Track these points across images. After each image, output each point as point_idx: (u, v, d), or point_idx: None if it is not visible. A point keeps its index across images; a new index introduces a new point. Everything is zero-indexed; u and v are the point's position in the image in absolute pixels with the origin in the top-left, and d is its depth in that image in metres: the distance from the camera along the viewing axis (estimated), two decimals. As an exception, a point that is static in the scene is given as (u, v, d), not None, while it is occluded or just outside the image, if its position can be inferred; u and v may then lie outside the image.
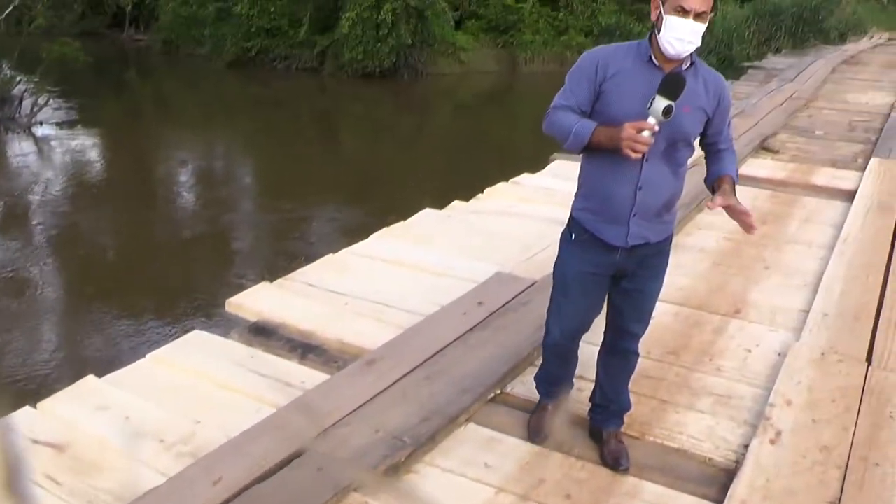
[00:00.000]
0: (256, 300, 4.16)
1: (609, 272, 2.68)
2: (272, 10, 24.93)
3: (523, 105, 21.69)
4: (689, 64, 2.49)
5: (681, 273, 4.49)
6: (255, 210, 10.90)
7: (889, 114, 9.66)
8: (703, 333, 3.84)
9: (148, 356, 3.62)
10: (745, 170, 6.57)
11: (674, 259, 4.73)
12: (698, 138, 2.65)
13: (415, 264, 4.64)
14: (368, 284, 4.36)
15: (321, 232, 9.45)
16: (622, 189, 2.53)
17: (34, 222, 9.71)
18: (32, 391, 5.15)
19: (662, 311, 4.01)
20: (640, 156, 2.38)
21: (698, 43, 2.42)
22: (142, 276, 7.84)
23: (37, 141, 14.74)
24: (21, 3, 18.76)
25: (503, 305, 3.89)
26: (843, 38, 22.13)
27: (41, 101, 16.09)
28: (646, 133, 2.33)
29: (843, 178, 6.49)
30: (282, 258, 8.11)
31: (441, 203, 5.99)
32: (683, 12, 2.36)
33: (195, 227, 9.95)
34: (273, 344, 3.75)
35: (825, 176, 6.59)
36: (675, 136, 2.48)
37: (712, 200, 2.55)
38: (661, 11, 2.43)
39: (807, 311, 3.98)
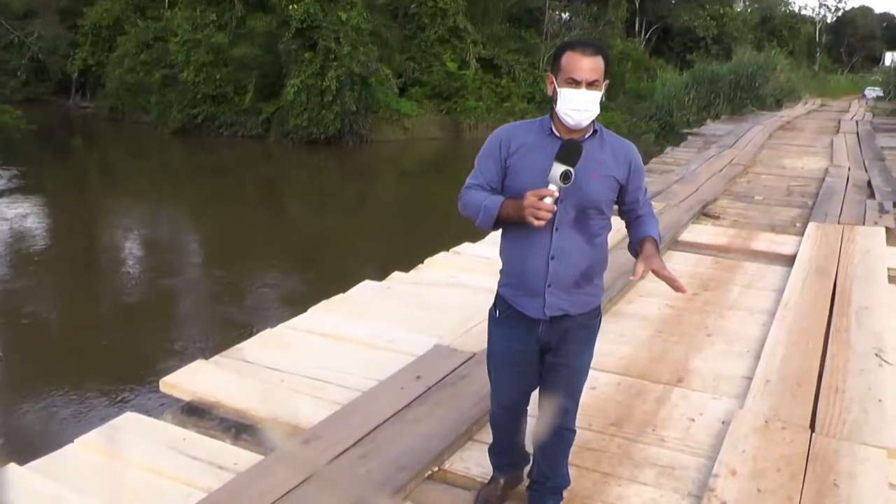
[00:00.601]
0: (191, 379, 4.01)
1: (534, 346, 2.64)
2: (218, 77, 25.08)
3: (466, 171, 21.62)
4: (590, 132, 2.52)
5: (623, 342, 4.47)
6: (199, 279, 10.75)
7: (823, 178, 9.94)
8: (645, 403, 3.78)
9: (76, 441, 3.43)
10: (686, 236, 6.66)
11: (615, 327, 4.78)
12: (616, 208, 2.67)
13: (353, 338, 4.53)
14: (306, 360, 4.24)
15: (264, 300, 9.32)
16: (535, 260, 2.53)
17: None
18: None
19: (604, 382, 3.96)
20: (542, 223, 2.37)
21: (596, 111, 2.45)
22: (79, 351, 7.63)
23: None
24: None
25: (441, 379, 3.79)
26: (778, 104, 22.96)
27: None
28: (547, 200, 2.34)
29: (783, 243, 6.59)
30: (223, 328, 8.02)
31: (384, 271, 5.94)
32: (575, 83, 2.39)
33: (136, 298, 9.75)
34: (207, 424, 3.62)
35: (765, 241, 6.68)
36: (585, 204, 2.49)
37: (633, 272, 2.51)
38: (555, 86, 2.46)
39: (750, 378, 3.96)
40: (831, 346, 4.27)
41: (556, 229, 2.48)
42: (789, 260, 6.02)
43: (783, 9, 45.08)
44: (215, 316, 8.87)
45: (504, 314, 2.66)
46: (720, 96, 21.37)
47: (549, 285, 2.53)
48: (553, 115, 2.53)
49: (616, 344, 4.43)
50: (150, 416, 3.82)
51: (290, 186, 19.64)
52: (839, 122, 18.52)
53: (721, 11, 36.42)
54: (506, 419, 2.86)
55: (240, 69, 24.92)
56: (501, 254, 2.70)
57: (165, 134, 25.43)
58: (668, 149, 14.05)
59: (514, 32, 30.77)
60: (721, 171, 9.98)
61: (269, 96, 24.65)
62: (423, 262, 6.02)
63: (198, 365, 4.18)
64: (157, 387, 4.14)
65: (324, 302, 5.17)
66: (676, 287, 2.55)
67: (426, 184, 19.61)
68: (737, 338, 4.56)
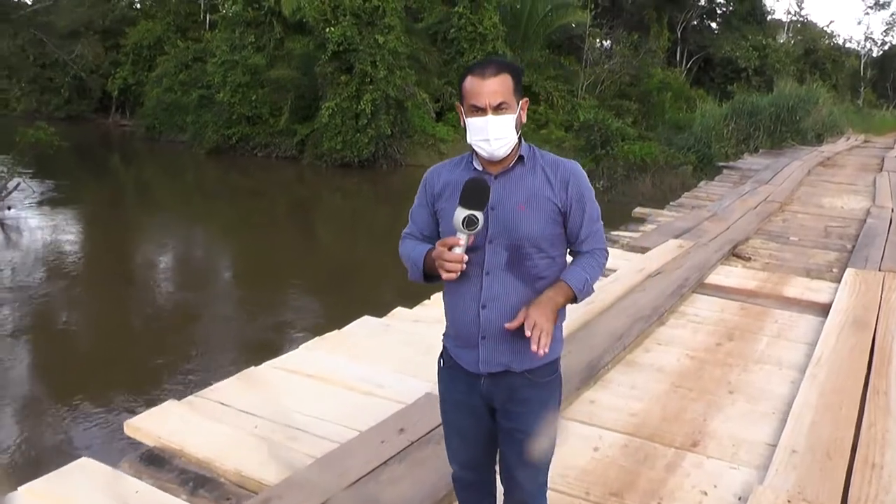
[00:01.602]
0: (158, 422, 3.69)
1: (479, 402, 2.34)
2: (253, 98, 25.10)
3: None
4: (515, 160, 2.24)
5: (634, 396, 4.06)
6: (225, 299, 10.71)
7: (865, 220, 9.32)
8: (653, 469, 3.37)
9: (21, 489, 3.14)
10: (713, 278, 6.21)
11: (628, 379, 4.37)
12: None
13: (340, 380, 4.18)
14: (285, 404, 3.90)
15: (288, 324, 9.16)
16: (467, 309, 2.27)
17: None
18: None
19: (609, 443, 3.56)
20: (453, 276, 2.12)
21: (511, 138, 2.18)
22: (95, 363, 7.61)
23: (3, 225, 14.42)
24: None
25: (427, 434, 3.41)
26: (819, 139, 22.28)
27: (10, 185, 15.87)
28: (456, 249, 2.10)
29: (818, 290, 6.08)
30: (243, 349, 7.93)
31: (411, 300, 5.66)
32: (479, 111, 2.15)
33: (160, 314, 9.72)
34: (164, 476, 3.33)
35: (798, 287, 6.16)
36: (517, 242, 2.20)
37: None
38: (463, 116, 2.23)
39: (773, 446, 3.52)
40: (868, 412, 3.80)
41: (487, 274, 2.22)
42: (824, 309, 5.50)
43: (827, 41, 44.22)
44: (237, 337, 8.73)
45: (448, 365, 2.40)
46: (760, 129, 20.77)
47: (482, 337, 2.25)
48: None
49: (627, 398, 4.02)
50: (112, 458, 3.54)
51: (322, 209, 19.48)
52: (883, 159, 17.70)
53: (763, 42, 35.77)
54: (469, 482, 2.54)
55: (276, 91, 24.93)
56: (443, 297, 2.43)
57: (200, 153, 25.53)
58: (702, 183, 13.53)
59: (554, 59, 30.48)
60: (755, 208, 9.44)
61: (304, 118, 24.60)
62: (429, 298, 5.63)
63: (168, 406, 3.86)
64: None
65: (317, 339, 4.84)
66: (534, 348, 2.10)
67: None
68: (762, 396, 4.10)
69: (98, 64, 31.05)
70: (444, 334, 2.43)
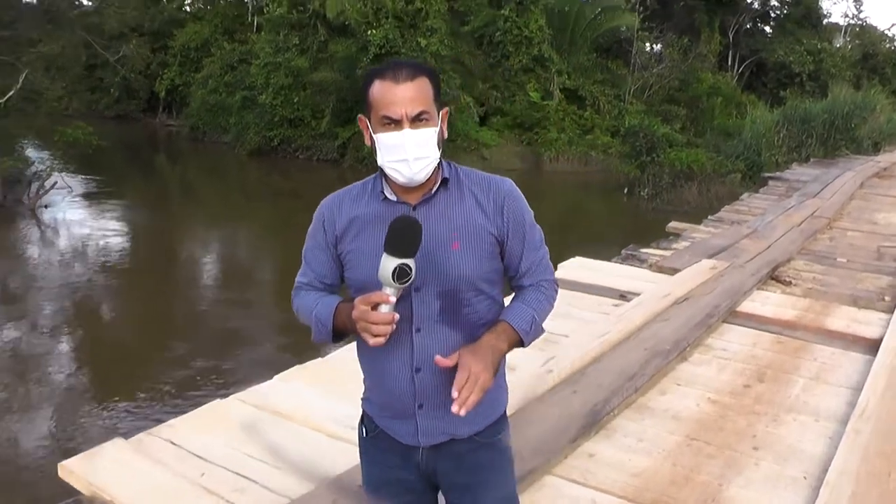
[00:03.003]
0: (94, 465, 3.27)
1: (417, 478, 1.91)
2: (296, 100, 25.13)
3: (545, 205, 21.12)
4: (437, 184, 1.82)
5: (640, 449, 3.50)
6: (263, 300, 10.71)
7: (925, 239, 8.48)
8: (655, 548, 2.84)
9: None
10: (747, 305, 5.58)
11: (635, 427, 3.80)
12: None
13: (308, 420, 3.71)
14: (241, 446, 3.45)
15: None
16: (396, 374, 1.85)
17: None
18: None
19: (604, 511, 3.03)
20: (382, 341, 1.69)
21: (434, 156, 1.76)
22: (125, 359, 7.71)
23: (39, 222, 14.87)
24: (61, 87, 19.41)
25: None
26: (876, 148, 21.25)
27: (48, 184, 16.03)
28: (383, 308, 1.67)
29: (866, 323, 5.34)
30: (279, 351, 7.94)
31: None
32: (392, 124, 1.73)
33: (196, 314, 9.83)
34: (89, 532, 2.88)
35: (844, 318, 5.43)
36: (451, 287, 1.80)
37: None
38: (370, 132, 1.79)
39: (802, 521, 2.96)
40: (920, 482, 3.20)
41: (418, 330, 1.81)
42: (873, 346, 4.78)
43: (888, 45, 42.40)
44: (274, 338, 8.58)
45: (372, 435, 1.98)
46: (812, 136, 19.83)
47: (419, 406, 1.86)
48: (382, 172, 1.82)
49: (631, 452, 3.47)
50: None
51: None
52: (947, 170, 16.69)
53: (819, 47, 34.39)
54: None
55: (318, 93, 24.82)
56: (359, 358, 1.97)
57: (242, 155, 25.70)
58: (745, 195, 12.69)
59: (601, 63, 29.77)
60: (800, 224, 8.62)
61: (345, 121, 24.37)
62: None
63: (110, 447, 3.43)
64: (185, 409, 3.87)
65: (296, 368, 4.38)
66: (456, 405, 1.64)
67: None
68: (792, 455, 3.49)
69: (147, 64, 31.28)
70: (363, 398, 1.99)
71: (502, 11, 26.30)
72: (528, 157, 25.92)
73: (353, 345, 4.51)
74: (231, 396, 3.98)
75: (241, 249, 14.83)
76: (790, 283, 6.18)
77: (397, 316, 1.68)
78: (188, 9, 36.89)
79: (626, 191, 19.54)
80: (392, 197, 1.81)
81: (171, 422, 3.70)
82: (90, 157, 18.19)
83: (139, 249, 13.58)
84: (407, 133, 1.71)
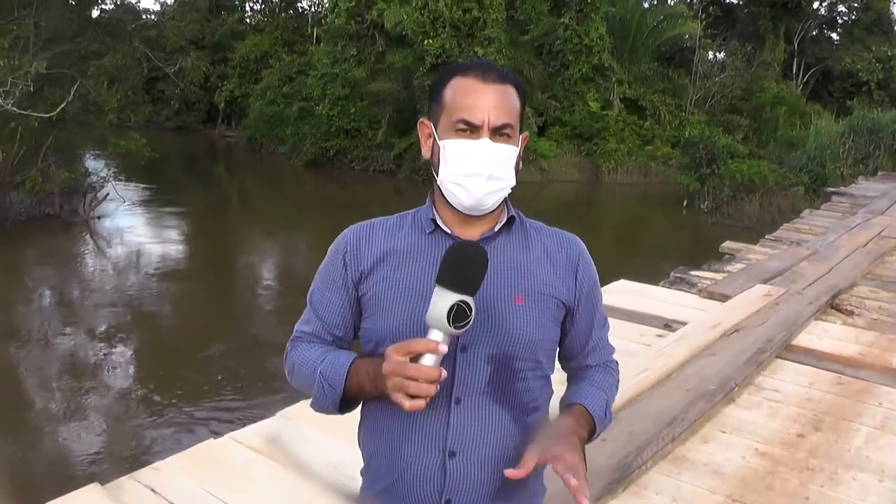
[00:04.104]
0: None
1: None
2: (352, 111, 25.26)
3: (604, 217, 20.68)
4: (503, 220, 1.49)
5: (674, 513, 3.07)
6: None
7: None
8: None
9: None
10: (803, 338, 5.06)
11: (670, 484, 3.33)
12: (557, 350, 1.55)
13: (305, 464, 3.37)
14: (225, 495, 3.13)
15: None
16: (422, 457, 1.41)
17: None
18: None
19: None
20: (421, 404, 1.26)
21: (509, 181, 1.43)
22: (171, 375, 7.54)
23: (93, 232, 15.06)
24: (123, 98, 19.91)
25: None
26: (950, 161, 20.17)
27: (101, 195, 16.26)
28: (427, 359, 1.26)
29: (941, 360, 4.81)
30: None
31: None
32: (469, 130, 1.38)
33: (248, 325, 9.53)
34: None
35: (915, 354, 4.91)
36: (508, 350, 1.41)
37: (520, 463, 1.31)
38: (434, 138, 1.44)
39: None
40: None
41: (457, 402, 1.41)
42: None
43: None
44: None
45: None
46: (881, 148, 18.93)
47: (447, 501, 1.40)
48: (436, 196, 1.48)
49: (663, 516, 3.05)
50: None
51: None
52: None
53: (889, 54, 32.87)
54: None
55: (375, 104, 24.86)
56: (360, 442, 1.54)
57: (298, 165, 25.94)
58: (806, 212, 11.95)
59: (662, 72, 29.08)
60: (865, 245, 7.96)
61: (402, 132, 24.34)
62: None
63: (86, 493, 3.15)
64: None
65: (302, 403, 4.06)
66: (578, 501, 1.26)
67: (560, 227, 18.76)
68: (850, 523, 3.05)
69: (206, 77, 31.73)
70: (365, 491, 1.55)
71: (562, 20, 25.94)
72: (587, 168, 25.47)
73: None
74: (226, 436, 3.68)
75: (297, 258, 14.77)
76: (853, 312, 5.62)
77: (445, 373, 1.28)
78: (249, 21, 37.41)
79: (685, 203, 18.97)
80: (445, 228, 1.46)
81: (157, 464, 3.41)
82: (148, 168, 18.59)
83: (193, 258, 13.66)
84: (485, 144, 1.38)
